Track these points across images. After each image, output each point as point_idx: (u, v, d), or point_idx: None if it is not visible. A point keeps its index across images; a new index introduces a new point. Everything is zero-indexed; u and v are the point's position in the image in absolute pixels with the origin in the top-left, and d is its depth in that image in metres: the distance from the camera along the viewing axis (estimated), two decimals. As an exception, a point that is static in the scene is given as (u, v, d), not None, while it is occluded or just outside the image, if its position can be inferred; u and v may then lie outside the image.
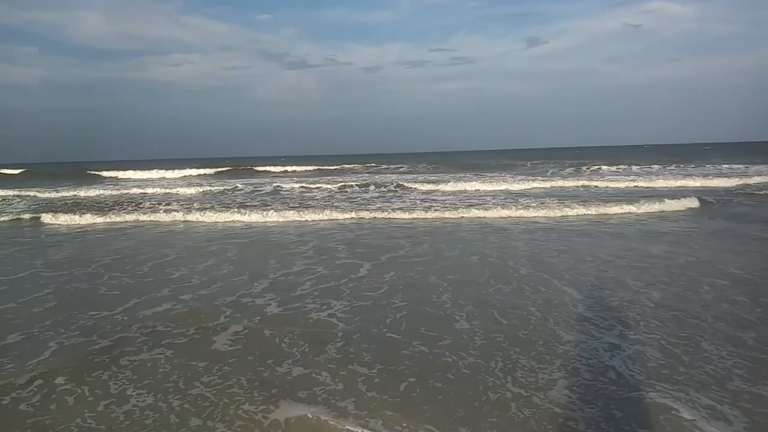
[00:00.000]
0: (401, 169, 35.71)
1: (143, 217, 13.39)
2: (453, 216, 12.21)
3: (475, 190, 18.88)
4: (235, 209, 13.74)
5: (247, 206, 14.79)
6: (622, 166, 29.59)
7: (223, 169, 37.76)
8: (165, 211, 14.01)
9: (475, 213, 12.27)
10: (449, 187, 19.89)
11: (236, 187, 22.35)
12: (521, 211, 12.37)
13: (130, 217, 13.39)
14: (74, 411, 3.35)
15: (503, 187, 19.52)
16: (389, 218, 12.24)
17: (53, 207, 16.08)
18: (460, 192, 18.62)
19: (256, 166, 39.67)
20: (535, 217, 11.97)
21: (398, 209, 13.08)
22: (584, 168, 29.75)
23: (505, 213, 12.27)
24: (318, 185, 21.87)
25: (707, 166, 27.69)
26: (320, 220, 12.31)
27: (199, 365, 3.99)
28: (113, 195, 20.69)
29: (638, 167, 28.78)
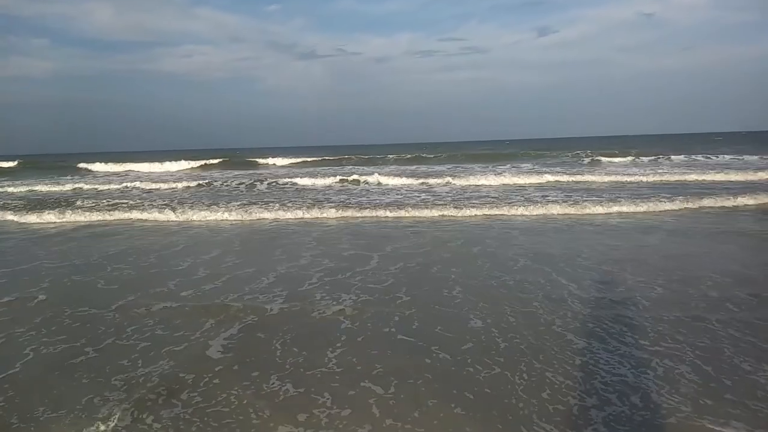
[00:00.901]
0: (408, 158, 35.04)
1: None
2: (463, 214, 11.63)
3: (492, 185, 17.78)
4: (224, 205, 13.01)
5: (247, 202, 14.18)
6: (648, 158, 27.82)
7: (214, 161, 34.93)
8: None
9: (487, 211, 11.44)
10: (458, 181, 19.11)
11: (224, 180, 21.54)
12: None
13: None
14: None
15: (517, 180, 18.54)
16: (392, 215, 11.54)
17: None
18: (468, 186, 17.96)
19: (261, 158, 38.57)
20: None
21: (404, 205, 12.52)
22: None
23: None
24: (322, 178, 21.19)
25: (724, 156, 26.81)
26: (321, 216, 11.65)
27: (188, 377, 3.62)
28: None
29: (648, 158, 27.84)
